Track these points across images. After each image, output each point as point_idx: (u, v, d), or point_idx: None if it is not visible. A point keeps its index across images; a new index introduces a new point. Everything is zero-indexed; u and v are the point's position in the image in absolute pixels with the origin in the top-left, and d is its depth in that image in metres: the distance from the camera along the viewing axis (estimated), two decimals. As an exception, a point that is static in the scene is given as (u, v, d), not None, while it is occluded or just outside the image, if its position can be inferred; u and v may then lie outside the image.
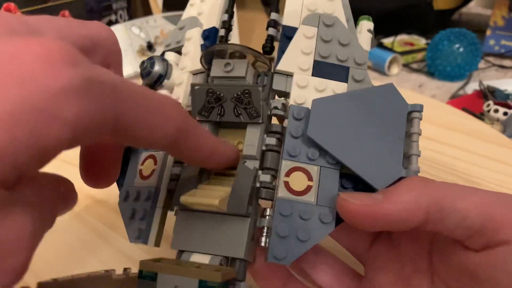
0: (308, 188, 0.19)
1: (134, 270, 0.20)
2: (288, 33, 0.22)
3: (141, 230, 0.20)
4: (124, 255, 0.30)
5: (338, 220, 0.18)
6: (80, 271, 0.28)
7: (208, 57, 0.22)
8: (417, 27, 0.71)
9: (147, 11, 0.65)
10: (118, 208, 0.22)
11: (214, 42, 0.24)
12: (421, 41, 0.69)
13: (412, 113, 0.20)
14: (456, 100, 0.54)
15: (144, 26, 0.61)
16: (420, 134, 0.20)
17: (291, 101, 0.20)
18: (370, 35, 0.23)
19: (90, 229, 0.32)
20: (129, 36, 0.60)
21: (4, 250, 0.11)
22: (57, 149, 0.11)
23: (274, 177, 0.19)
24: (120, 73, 0.18)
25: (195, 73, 0.23)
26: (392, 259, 0.20)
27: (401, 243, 0.20)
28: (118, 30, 0.60)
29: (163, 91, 0.24)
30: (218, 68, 0.21)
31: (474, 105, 0.51)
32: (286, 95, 0.21)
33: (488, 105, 0.48)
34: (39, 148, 0.10)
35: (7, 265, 0.12)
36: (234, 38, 0.68)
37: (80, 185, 0.35)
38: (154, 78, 0.24)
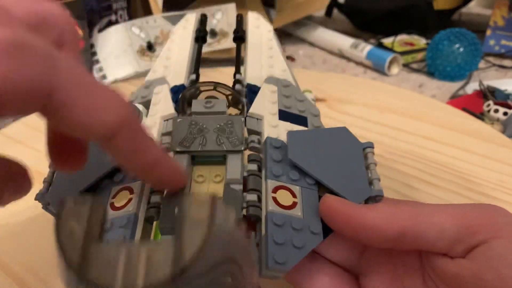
0: (294, 204, 0.20)
1: None
2: (253, 89, 0.27)
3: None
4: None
5: (326, 232, 0.19)
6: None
7: (185, 98, 0.25)
8: (417, 27, 0.71)
9: (147, 11, 0.65)
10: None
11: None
12: (421, 41, 0.69)
13: (366, 149, 0.23)
14: (456, 100, 0.54)
15: (144, 26, 0.61)
16: (375, 164, 0.22)
17: (266, 135, 0.23)
18: (313, 102, 0.27)
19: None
20: (129, 36, 0.60)
21: None
22: None
23: (259, 198, 0.20)
24: (75, 54, 0.17)
25: (165, 119, 0.25)
26: (383, 262, 0.21)
27: None
28: (118, 30, 0.60)
29: None
30: (198, 105, 0.23)
31: (474, 105, 0.51)
32: (257, 134, 0.23)
33: (488, 105, 0.48)
34: None
35: None
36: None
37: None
38: None
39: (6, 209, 0.35)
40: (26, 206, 0.34)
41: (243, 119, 0.22)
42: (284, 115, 0.24)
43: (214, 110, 0.23)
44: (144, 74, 0.60)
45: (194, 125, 0.22)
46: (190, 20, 0.36)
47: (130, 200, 0.20)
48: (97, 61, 0.60)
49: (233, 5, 0.64)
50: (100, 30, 0.61)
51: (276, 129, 0.23)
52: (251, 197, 0.19)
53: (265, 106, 0.25)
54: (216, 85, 0.25)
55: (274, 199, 0.20)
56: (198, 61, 0.30)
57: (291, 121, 0.24)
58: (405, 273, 0.20)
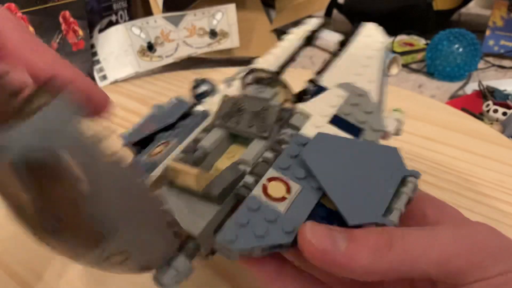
0: (283, 198, 0.19)
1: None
2: (321, 90, 0.26)
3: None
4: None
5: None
6: (80, 269, 0.28)
7: (250, 78, 0.26)
8: (417, 28, 0.72)
9: (148, 12, 0.65)
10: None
11: None
12: (420, 42, 0.69)
13: (409, 177, 0.20)
14: (456, 100, 0.54)
15: (144, 26, 0.61)
16: (411, 198, 0.19)
17: (302, 133, 0.22)
18: (396, 123, 0.25)
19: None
20: (129, 37, 0.60)
21: None
22: None
23: (257, 182, 0.20)
24: None
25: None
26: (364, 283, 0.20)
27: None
28: (119, 30, 0.60)
29: (200, 106, 0.27)
30: (252, 90, 0.25)
31: (474, 105, 0.51)
32: (295, 129, 0.23)
33: (488, 105, 0.49)
34: None
35: None
36: (234, 38, 0.69)
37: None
38: (198, 92, 0.29)
39: (6, 210, 0.35)
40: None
41: (278, 109, 0.23)
42: (337, 121, 0.23)
43: (261, 96, 0.24)
44: (144, 74, 0.60)
45: (237, 104, 0.23)
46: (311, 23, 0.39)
47: (161, 151, 0.24)
48: (98, 61, 0.60)
49: (233, 6, 0.64)
50: (101, 31, 0.61)
51: (317, 130, 0.22)
52: (248, 179, 0.20)
53: (318, 107, 0.24)
54: (271, 76, 0.26)
55: (264, 186, 0.19)
56: (292, 57, 0.33)
57: (341, 128, 0.23)
58: None
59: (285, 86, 0.26)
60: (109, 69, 0.59)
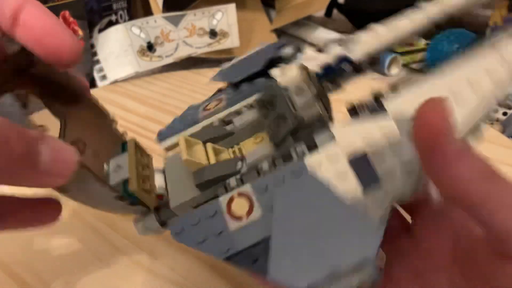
0: (240, 218, 0.19)
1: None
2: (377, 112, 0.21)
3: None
4: (123, 253, 0.30)
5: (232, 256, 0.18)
6: (79, 269, 0.28)
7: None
8: (417, 28, 0.72)
9: (147, 12, 0.65)
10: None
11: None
12: (421, 42, 0.69)
13: (368, 265, 0.16)
14: (456, 100, 0.54)
15: (144, 26, 0.61)
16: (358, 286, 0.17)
17: (307, 160, 0.19)
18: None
19: (89, 227, 0.32)
20: (129, 36, 0.60)
21: None
22: None
23: (238, 186, 0.20)
24: None
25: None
26: (411, 254, 0.20)
27: (423, 238, 0.20)
28: (118, 30, 0.60)
29: (275, 70, 0.25)
30: (302, 81, 0.22)
31: (474, 105, 0.51)
32: (313, 148, 0.20)
33: (488, 105, 0.48)
34: None
35: None
36: (234, 38, 0.68)
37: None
38: (278, 55, 0.27)
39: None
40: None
41: (293, 122, 0.20)
42: (359, 163, 0.18)
43: (292, 98, 0.21)
44: (144, 74, 0.60)
45: (276, 94, 0.22)
46: None
47: (212, 108, 0.25)
48: (98, 61, 0.60)
49: (233, 5, 0.64)
50: (101, 30, 0.61)
51: (325, 163, 0.19)
52: (232, 181, 0.20)
53: (355, 136, 0.19)
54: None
55: (231, 198, 0.19)
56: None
57: (356, 172, 0.18)
58: (432, 270, 0.19)
59: (325, 96, 0.23)
60: (109, 69, 0.59)
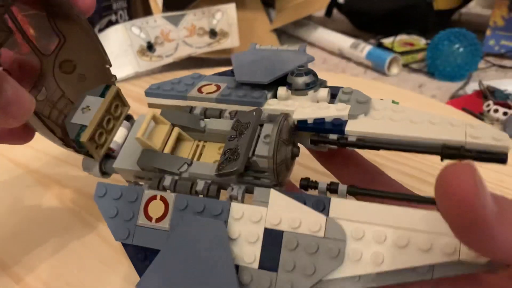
0: (150, 219, 0.21)
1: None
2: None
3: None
4: (125, 255, 0.30)
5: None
6: (79, 270, 0.28)
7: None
8: (417, 27, 0.71)
9: (147, 11, 0.65)
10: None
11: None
12: (421, 41, 0.69)
13: None
14: (456, 100, 0.54)
15: (144, 26, 0.61)
16: None
17: (233, 205, 0.19)
18: None
19: (89, 228, 0.32)
20: (129, 36, 0.60)
21: None
22: None
23: (168, 189, 0.21)
24: None
25: None
26: None
27: None
28: (118, 30, 0.60)
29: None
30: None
31: (474, 105, 0.51)
32: (258, 176, 0.21)
33: (488, 105, 0.48)
34: None
35: None
36: (234, 38, 0.68)
37: (82, 185, 0.36)
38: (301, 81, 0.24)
39: (6, 209, 0.35)
40: (26, 206, 0.34)
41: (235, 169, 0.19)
42: (272, 239, 0.18)
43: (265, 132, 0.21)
44: (144, 74, 0.60)
45: (240, 124, 0.22)
46: None
47: (206, 92, 0.26)
48: (97, 61, 0.60)
49: (233, 5, 0.64)
50: (100, 30, 0.61)
51: (249, 219, 0.19)
52: (167, 179, 0.21)
53: (288, 212, 0.19)
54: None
55: (153, 197, 0.21)
56: None
57: (264, 245, 0.18)
58: None
59: (290, 157, 0.22)
60: (109, 69, 0.59)
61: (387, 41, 0.69)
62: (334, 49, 0.71)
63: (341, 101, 0.22)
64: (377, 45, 0.68)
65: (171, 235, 0.19)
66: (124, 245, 0.21)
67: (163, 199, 0.21)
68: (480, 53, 0.60)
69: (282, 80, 0.24)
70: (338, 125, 0.21)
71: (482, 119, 0.47)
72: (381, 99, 0.22)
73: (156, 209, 0.20)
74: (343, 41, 0.69)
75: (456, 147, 0.18)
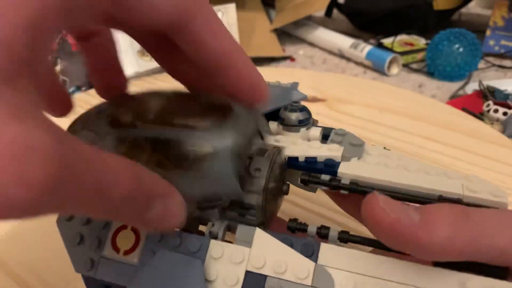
0: (117, 250, 0.18)
1: None
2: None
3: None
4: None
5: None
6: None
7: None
8: (417, 27, 0.71)
9: (147, 11, 0.65)
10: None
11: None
12: (421, 41, 0.69)
13: None
14: (456, 100, 0.54)
15: (144, 26, 0.61)
16: None
17: (212, 243, 0.18)
18: None
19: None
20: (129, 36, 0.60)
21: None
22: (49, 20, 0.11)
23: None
24: None
25: None
26: None
27: None
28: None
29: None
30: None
31: (474, 105, 0.51)
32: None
33: (488, 105, 0.48)
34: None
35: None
36: (234, 38, 0.68)
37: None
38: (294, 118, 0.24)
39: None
40: (26, 206, 0.34)
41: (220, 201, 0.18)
42: (254, 282, 0.17)
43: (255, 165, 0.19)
44: (144, 74, 0.60)
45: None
46: None
47: None
48: (97, 61, 0.60)
49: (233, 5, 0.64)
50: (100, 30, 0.61)
51: (229, 259, 0.17)
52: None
53: (271, 255, 0.17)
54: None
55: (124, 226, 0.19)
56: None
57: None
58: None
59: (278, 195, 0.21)
60: (109, 69, 0.59)
61: (387, 41, 0.69)
62: (334, 49, 0.71)
63: (334, 142, 0.22)
64: (377, 45, 0.68)
65: (140, 270, 0.17)
66: (85, 277, 0.19)
67: (134, 229, 0.18)
68: (480, 53, 0.60)
69: (272, 116, 0.23)
70: (330, 165, 0.20)
71: (482, 119, 0.47)
72: (373, 145, 0.22)
73: (125, 240, 0.18)
74: (343, 41, 0.69)
75: (453, 199, 0.18)
